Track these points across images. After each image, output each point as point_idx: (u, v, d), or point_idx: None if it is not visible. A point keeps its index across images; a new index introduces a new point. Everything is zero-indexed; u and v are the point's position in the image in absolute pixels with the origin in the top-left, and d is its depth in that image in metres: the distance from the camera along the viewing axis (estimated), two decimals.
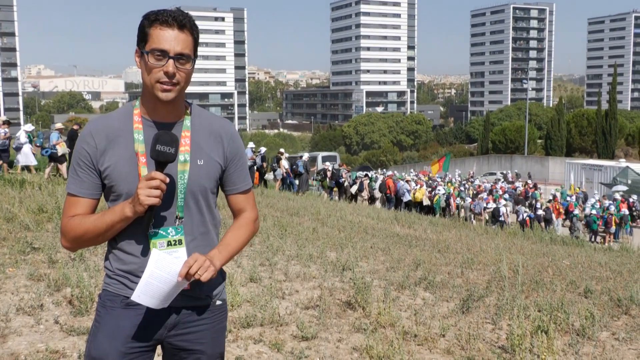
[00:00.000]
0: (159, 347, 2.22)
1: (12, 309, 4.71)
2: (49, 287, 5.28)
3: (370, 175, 29.80)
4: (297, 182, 23.37)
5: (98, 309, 2.18)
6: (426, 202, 25.38)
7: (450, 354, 4.43)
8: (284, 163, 23.38)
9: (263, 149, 22.83)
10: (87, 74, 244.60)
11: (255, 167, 21.45)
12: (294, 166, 23.16)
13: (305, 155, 25.98)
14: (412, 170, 49.92)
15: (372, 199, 26.36)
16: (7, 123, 18.53)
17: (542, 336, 4.43)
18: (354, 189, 26.07)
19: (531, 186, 34.73)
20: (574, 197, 30.69)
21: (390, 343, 4.33)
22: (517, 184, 38.27)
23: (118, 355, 2.07)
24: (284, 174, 23.08)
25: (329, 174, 26.00)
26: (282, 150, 25.83)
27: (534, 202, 28.43)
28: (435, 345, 4.58)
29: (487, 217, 24.18)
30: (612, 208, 26.61)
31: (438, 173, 37.27)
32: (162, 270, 1.99)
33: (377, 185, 27.16)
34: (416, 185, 27.10)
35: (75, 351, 4.03)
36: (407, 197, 25.44)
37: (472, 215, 25.01)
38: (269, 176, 25.17)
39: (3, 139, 17.51)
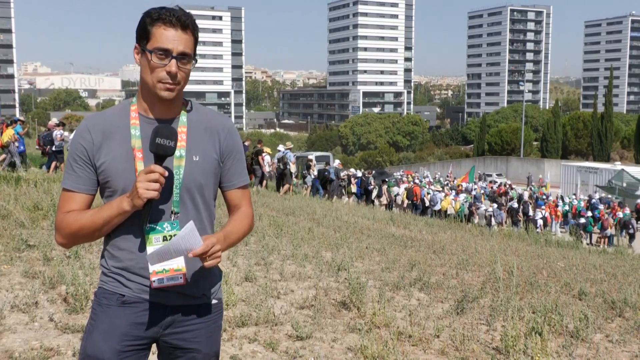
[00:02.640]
0: (154, 346, 2.22)
1: (7, 306, 4.70)
2: (44, 285, 5.27)
3: (388, 180, 29.85)
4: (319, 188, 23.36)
5: (94, 307, 2.17)
6: (451, 210, 25.69)
7: (445, 354, 4.44)
8: (314, 171, 23.45)
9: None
10: (84, 72, 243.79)
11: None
12: (326, 172, 23.13)
13: (337, 162, 26.16)
14: (400, 170, 50.67)
15: (390, 205, 26.44)
16: (61, 125, 18.70)
17: (536, 338, 4.45)
18: (372, 195, 26.18)
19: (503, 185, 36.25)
20: (552, 197, 31.59)
21: (385, 343, 4.34)
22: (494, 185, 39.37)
23: (113, 353, 2.06)
24: (313, 181, 23.13)
25: (353, 180, 26.04)
26: (311, 157, 25.84)
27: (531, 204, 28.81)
28: (429, 345, 4.59)
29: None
30: (602, 206, 27.18)
31: (464, 182, 37.85)
32: (185, 243, 1.99)
33: (399, 191, 27.46)
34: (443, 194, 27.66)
35: (69, 349, 4.03)
36: (438, 206, 25.73)
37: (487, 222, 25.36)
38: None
39: (60, 140, 17.63)
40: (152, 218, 2.10)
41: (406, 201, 27.25)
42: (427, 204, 26.55)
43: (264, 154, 20.75)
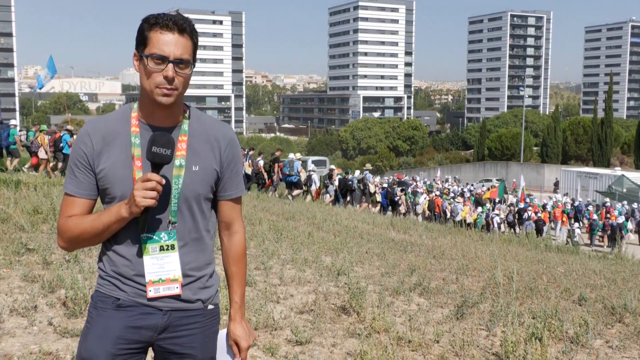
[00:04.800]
0: (151, 350, 2.21)
1: (6, 310, 4.69)
2: (43, 289, 5.26)
3: (406, 190, 29.98)
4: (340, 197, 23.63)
5: (89, 310, 2.17)
6: (469, 220, 25.89)
7: None
8: (335, 180, 23.69)
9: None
10: (84, 76, 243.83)
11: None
12: (349, 182, 23.34)
13: (357, 173, 26.59)
14: (391, 175, 51.07)
15: (407, 213, 26.58)
16: None
17: (536, 343, 4.44)
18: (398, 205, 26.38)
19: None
20: (531, 200, 32.63)
21: (385, 348, 4.33)
22: (479, 190, 39.94)
23: (107, 356, 2.06)
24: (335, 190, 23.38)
25: (378, 190, 26.22)
26: (332, 167, 26.17)
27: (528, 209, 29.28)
28: (429, 351, 4.58)
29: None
30: (591, 207, 28.02)
31: (493, 198, 38.16)
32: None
33: (420, 200, 27.70)
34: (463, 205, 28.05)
35: (68, 353, 4.02)
36: (459, 217, 25.94)
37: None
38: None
39: None
40: (150, 227, 2.10)
41: (427, 212, 27.59)
42: (448, 215, 26.79)
43: (284, 162, 21.80)
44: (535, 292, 6.66)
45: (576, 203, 31.96)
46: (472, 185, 43.65)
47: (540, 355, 4.29)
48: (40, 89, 21.80)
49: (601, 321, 5.57)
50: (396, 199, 26.13)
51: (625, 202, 32.99)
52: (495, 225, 26.11)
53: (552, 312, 5.52)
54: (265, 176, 21.35)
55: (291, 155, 22.13)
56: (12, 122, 19.54)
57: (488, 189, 38.69)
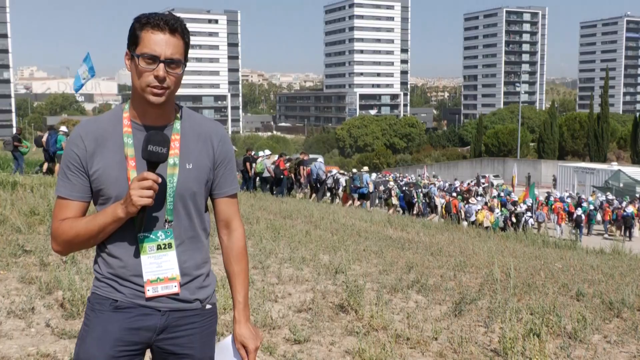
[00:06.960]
0: (148, 351, 2.21)
1: (3, 312, 4.68)
2: (41, 290, 5.25)
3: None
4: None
5: (87, 313, 2.16)
6: (487, 223, 25.89)
7: (443, 357, 4.43)
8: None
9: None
10: None
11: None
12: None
13: (373, 176, 26.96)
14: (380, 173, 51.36)
15: (419, 214, 26.72)
16: None
17: (534, 339, 4.44)
18: (415, 208, 26.58)
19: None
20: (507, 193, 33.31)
21: (383, 346, 4.33)
22: (464, 184, 40.49)
23: (106, 358, 2.05)
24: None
25: (393, 192, 26.43)
26: (354, 170, 26.49)
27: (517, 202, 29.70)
28: (427, 348, 4.58)
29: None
30: (569, 200, 28.95)
31: (526, 199, 38.27)
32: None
33: (436, 203, 28.02)
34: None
35: (66, 355, 4.01)
36: (473, 218, 26.06)
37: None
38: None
39: None
40: (146, 226, 2.09)
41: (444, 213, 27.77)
42: (463, 215, 26.83)
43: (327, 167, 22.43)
44: (533, 288, 6.66)
45: (557, 195, 32.49)
46: (458, 181, 43.87)
47: (538, 351, 4.29)
48: (79, 88, 20.78)
49: (599, 316, 5.57)
50: (414, 201, 26.33)
51: (598, 193, 33.50)
52: (530, 225, 26.18)
53: (550, 307, 5.52)
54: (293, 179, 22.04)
55: (364, 169, 23.63)
56: (62, 128, 19.48)
57: (467, 183, 38.84)
